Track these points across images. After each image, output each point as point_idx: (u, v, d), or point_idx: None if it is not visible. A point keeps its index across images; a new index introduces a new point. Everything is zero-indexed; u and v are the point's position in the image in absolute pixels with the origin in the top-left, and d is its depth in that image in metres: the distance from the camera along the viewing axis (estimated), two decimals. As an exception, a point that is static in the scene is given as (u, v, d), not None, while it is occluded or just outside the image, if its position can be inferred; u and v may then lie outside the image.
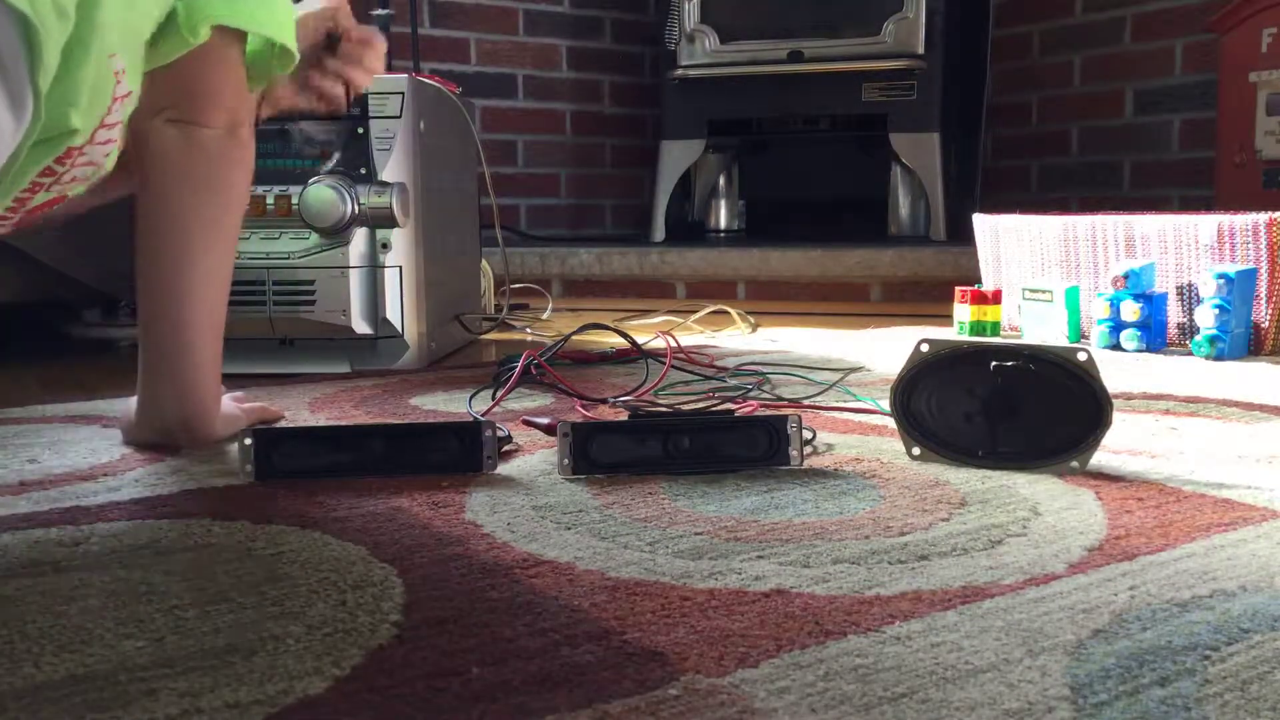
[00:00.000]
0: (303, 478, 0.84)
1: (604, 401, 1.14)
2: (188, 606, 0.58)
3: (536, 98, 3.15)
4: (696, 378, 1.29)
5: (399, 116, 1.39)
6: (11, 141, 0.66)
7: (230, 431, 0.97)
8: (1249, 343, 1.50)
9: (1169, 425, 1.03)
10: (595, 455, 0.85)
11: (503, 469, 0.87)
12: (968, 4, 2.86)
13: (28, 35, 0.63)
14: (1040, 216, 1.74)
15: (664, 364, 1.31)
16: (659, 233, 2.90)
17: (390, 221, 1.38)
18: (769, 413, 0.98)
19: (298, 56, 0.95)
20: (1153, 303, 1.53)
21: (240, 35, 0.91)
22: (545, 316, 2.08)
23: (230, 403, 1.02)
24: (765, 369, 1.36)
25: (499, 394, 1.17)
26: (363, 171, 1.39)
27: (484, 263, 1.88)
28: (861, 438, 0.98)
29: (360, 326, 1.40)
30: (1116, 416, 0.92)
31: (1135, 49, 2.82)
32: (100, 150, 0.76)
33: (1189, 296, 1.55)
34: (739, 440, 0.86)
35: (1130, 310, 1.53)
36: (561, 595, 0.59)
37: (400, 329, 1.42)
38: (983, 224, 1.83)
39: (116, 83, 0.75)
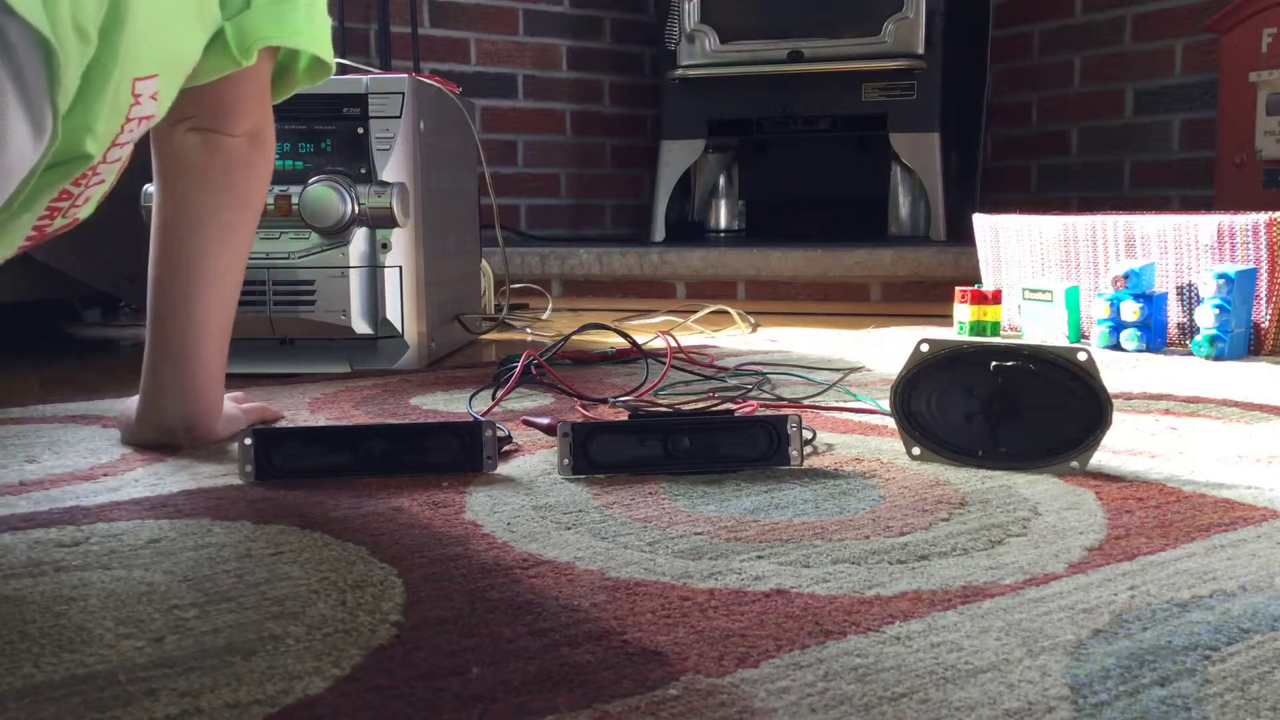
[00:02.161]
0: (303, 478, 0.84)
1: (604, 401, 1.14)
2: (188, 606, 0.58)
3: (536, 98, 3.15)
4: (696, 378, 1.29)
5: (399, 116, 1.39)
6: (31, 160, 0.66)
7: (231, 431, 0.98)
8: (1249, 343, 1.50)
9: (1169, 425, 1.03)
10: (595, 455, 0.85)
11: (503, 469, 0.87)
12: (968, 4, 2.86)
13: (48, 56, 0.63)
14: (1040, 216, 1.74)
15: (664, 364, 1.31)
16: (659, 233, 2.90)
17: (390, 221, 1.38)
18: (769, 413, 0.98)
19: (334, 69, 0.95)
20: (1153, 303, 1.53)
21: (275, 48, 0.91)
22: (545, 316, 2.08)
23: (230, 403, 1.02)
24: (765, 369, 1.36)
25: (499, 394, 1.17)
26: (363, 171, 1.39)
27: (484, 263, 1.88)
28: (861, 438, 0.98)
29: (360, 326, 1.40)
30: (1116, 416, 0.92)
31: (1135, 49, 2.82)
32: (111, 168, 0.76)
33: (1189, 296, 1.55)
34: (739, 440, 0.86)
35: (1130, 310, 1.53)
36: (561, 595, 0.59)
37: (400, 329, 1.42)
38: (983, 224, 1.83)
39: (134, 103, 0.74)
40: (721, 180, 3.24)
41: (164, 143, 0.92)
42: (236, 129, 0.92)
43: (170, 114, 0.88)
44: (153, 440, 0.96)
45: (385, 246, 1.39)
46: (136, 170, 0.93)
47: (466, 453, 0.85)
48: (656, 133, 3.03)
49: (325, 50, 0.92)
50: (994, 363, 0.85)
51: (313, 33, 0.91)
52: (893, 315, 2.12)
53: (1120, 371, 1.35)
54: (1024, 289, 1.69)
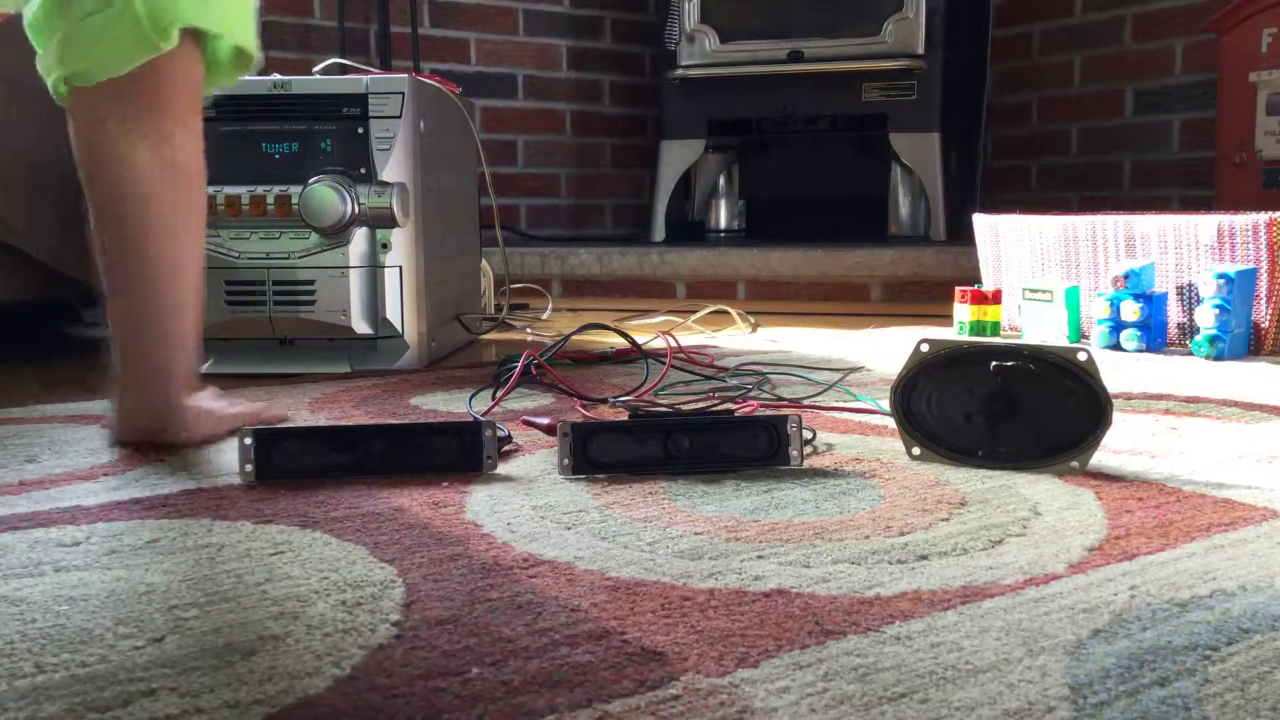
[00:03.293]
0: (303, 478, 0.84)
1: (604, 401, 1.14)
2: (188, 606, 0.58)
3: (536, 98, 3.15)
4: (696, 378, 1.29)
5: (399, 116, 1.39)
6: None
7: (214, 430, 0.97)
8: (1249, 343, 1.50)
9: (1169, 425, 1.03)
10: (595, 455, 0.85)
11: (503, 469, 0.87)
12: (968, 4, 2.86)
13: None
14: (1040, 216, 1.74)
15: (664, 364, 1.31)
16: (659, 233, 2.90)
17: (390, 221, 1.38)
18: (769, 413, 0.98)
19: (256, 58, 0.93)
20: (1153, 303, 1.53)
21: (200, 33, 0.89)
22: (545, 316, 2.08)
23: (214, 401, 1.01)
24: (765, 369, 1.36)
25: (499, 394, 1.17)
26: (363, 171, 1.39)
27: (484, 263, 1.88)
28: (861, 438, 0.98)
29: (360, 326, 1.40)
30: (1116, 416, 0.92)
31: (1135, 49, 2.82)
32: None
33: (1189, 296, 1.55)
34: (739, 440, 0.86)
35: (1130, 310, 1.53)
36: (561, 595, 0.59)
37: (400, 329, 1.42)
38: (983, 224, 1.83)
39: None
40: (721, 180, 3.24)
41: (102, 156, 0.88)
42: (172, 125, 0.88)
43: (104, 111, 0.86)
44: (134, 440, 0.95)
45: (385, 246, 1.39)
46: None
47: (466, 453, 0.85)
48: (656, 133, 3.03)
49: (248, 39, 0.90)
50: (994, 363, 0.85)
51: (234, 19, 0.88)
52: (893, 315, 2.12)
53: (1120, 371, 1.35)
54: (1024, 289, 1.69)
